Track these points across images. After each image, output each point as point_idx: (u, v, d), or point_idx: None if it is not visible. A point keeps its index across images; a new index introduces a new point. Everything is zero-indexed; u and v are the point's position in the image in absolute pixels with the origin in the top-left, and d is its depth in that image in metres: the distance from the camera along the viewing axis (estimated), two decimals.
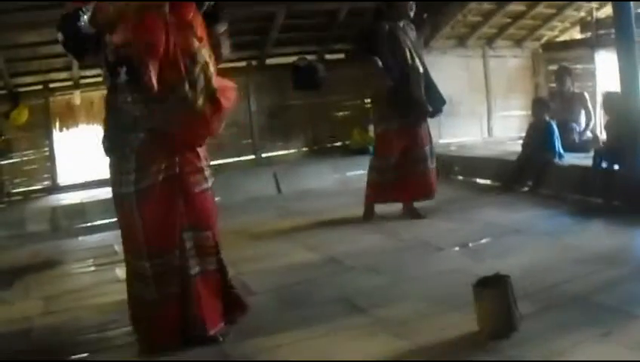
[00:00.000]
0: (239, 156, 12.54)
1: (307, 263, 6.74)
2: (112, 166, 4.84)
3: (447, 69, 12.54)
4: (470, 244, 6.86)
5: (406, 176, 8.29)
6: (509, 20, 12.99)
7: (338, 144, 13.34)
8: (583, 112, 10.85)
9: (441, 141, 12.50)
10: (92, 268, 7.60)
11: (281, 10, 11.19)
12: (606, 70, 12.00)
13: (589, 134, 10.72)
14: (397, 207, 8.57)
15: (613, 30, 8.83)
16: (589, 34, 12.87)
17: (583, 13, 12.98)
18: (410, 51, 8.26)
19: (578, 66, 12.70)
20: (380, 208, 8.59)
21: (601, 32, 12.18)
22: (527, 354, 4.07)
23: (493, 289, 4.36)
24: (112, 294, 6.22)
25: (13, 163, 11.52)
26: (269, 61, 12.83)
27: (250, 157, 12.68)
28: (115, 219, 5.03)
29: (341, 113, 13.56)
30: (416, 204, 8.46)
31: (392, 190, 8.34)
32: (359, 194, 8.72)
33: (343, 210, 9.11)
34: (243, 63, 12.63)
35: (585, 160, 9.06)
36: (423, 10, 8.80)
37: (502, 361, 4.06)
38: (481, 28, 12.88)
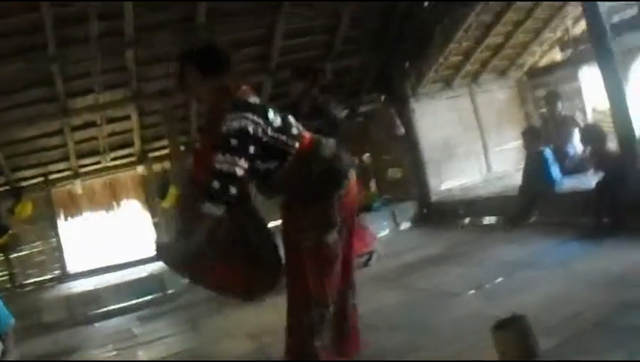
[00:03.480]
0: None
1: None
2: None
3: (438, 112, 12.75)
4: (486, 286, 6.86)
5: None
6: (490, 53, 13.11)
7: None
8: (575, 133, 10.85)
9: (443, 187, 12.64)
10: (113, 353, 7.62)
11: (268, 79, 11.47)
12: (592, 86, 11.95)
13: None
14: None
15: (591, 45, 8.86)
16: (569, 53, 12.99)
17: (559, 34, 13.13)
18: None
19: (564, 87, 12.77)
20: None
21: (581, 47, 12.24)
22: None
23: (511, 332, 4.40)
24: None
25: (22, 255, 11.70)
26: None
27: None
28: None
29: None
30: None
31: None
32: None
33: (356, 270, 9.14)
34: None
35: (585, 181, 9.17)
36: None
37: None
38: (465, 66, 13.00)
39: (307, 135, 4.64)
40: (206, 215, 4.18)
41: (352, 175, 4.73)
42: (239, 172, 4.18)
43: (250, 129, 4.25)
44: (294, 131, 4.56)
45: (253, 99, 4.49)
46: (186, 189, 5.05)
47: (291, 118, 4.66)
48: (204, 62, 4.70)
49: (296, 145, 4.51)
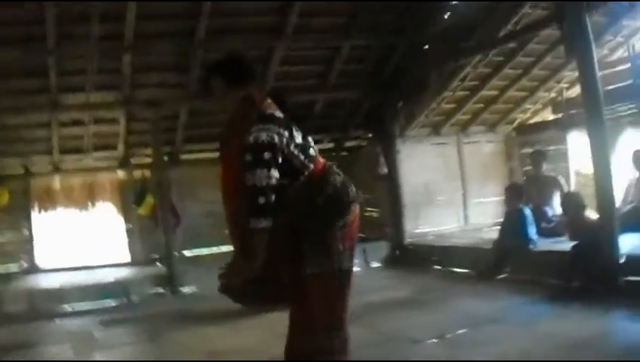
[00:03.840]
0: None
1: None
2: None
3: (423, 157, 12.84)
4: (448, 335, 6.84)
5: None
6: (481, 106, 13.23)
7: None
8: (557, 196, 10.91)
9: (418, 231, 12.68)
10: (70, 352, 7.54)
11: None
12: (578, 150, 12.06)
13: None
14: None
15: (583, 110, 8.90)
16: (560, 114, 13.03)
17: (553, 94, 13.28)
18: None
19: (551, 148, 12.88)
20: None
21: (572, 111, 12.21)
22: None
23: None
24: None
25: None
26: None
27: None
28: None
29: None
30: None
31: None
32: None
33: None
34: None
35: (559, 244, 9.20)
36: None
37: None
38: (455, 115, 13.11)
39: (321, 159, 4.65)
40: (261, 230, 4.21)
41: (356, 207, 4.74)
42: (274, 182, 4.19)
43: (277, 141, 4.27)
44: (311, 152, 4.57)
45: (278, 113, 4.52)
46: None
47: (310, 139, 4.69)
48: (229, 73, 4.71)
49: (311, 166, 4.52)
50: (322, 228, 4.47)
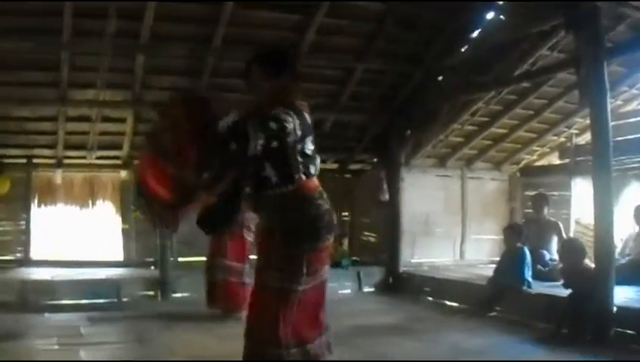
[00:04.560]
0: None
1: None
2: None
3: (426, 187, 12.86)
4: None
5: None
6: (489, 143, 13.26)
7: None
8: (555, 240, 10.95)
9: (414, 260, 12.68)
10: (55, 347, 7.47)
11: None
12: (582, 198, 12.05)
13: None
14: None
15: (591, 157, 8.87)
16: (567, 160, 13.01)
17: (562, 139, 13.28)
18: None
19: (554, 193, 12.84)
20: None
21: (580, 158, 12.26)
22: None
23: None
24: None
25: None
26: None
27: None
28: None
29: None
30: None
31: None
32: (329, 307, 8.70)
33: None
34: None
35: (553, 288, 9.18)
36: None
37: None
38: (462, 149, 13.12)
39: (316, 181, 4.67)
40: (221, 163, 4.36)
41: (331, 238, 4.73)
42: (261, 141, 4.16)
43: (289, 127, 4.30)
44: (312, 169, 4.59)
45: (307, 113, 4.56)
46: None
47: (318, 158, 4.72)
48: (269, 64, 4.75)
49: (303, 180, 4.52)
50: (294, 244, 4.51)
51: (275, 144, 4.30)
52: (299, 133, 4.39)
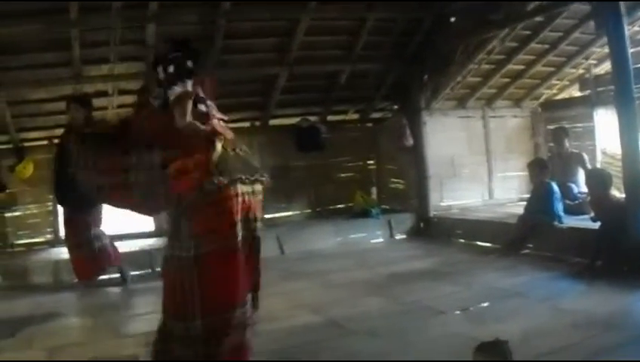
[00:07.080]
0: None
1: (309, 326, 6.69)
2: None
3: (448, 130, 12.77)
4: (471, 308, 6.86)
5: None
6: (508, 80, 13.14)
7: (341, 206, 13.44)
8: (581, 172, 10.86)
9: (443, 204, 12.67)
10: (92, 323, 7.53)
11: (284, 71, 11.36)
12: (605, 128, 12.00)
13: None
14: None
15: (612, 87, 8.86)
16: (588, 92, 12.85)
17: (581, 71, 13.10)
18: None
19: (577, 125, 12.81)
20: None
21: (600, 89, 12.15)
22: None
23: (493, 356, 4.37)
24: (115, 348, 6.28)
25: (17, 216, 11.65)
26: (272, 122, 12.99)
27: None
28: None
29: (344, 175, 13.71)
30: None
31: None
32: (362, 257, 8.78)
33: (345, 273, 9.26)
34: (246, 124, 12.86)
35: (584, 221, 9.13)
36: None
37: None
38: (481, 88, 13.02)
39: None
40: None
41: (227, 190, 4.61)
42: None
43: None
44: None
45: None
46: None
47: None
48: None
49: None
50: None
51: None
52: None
